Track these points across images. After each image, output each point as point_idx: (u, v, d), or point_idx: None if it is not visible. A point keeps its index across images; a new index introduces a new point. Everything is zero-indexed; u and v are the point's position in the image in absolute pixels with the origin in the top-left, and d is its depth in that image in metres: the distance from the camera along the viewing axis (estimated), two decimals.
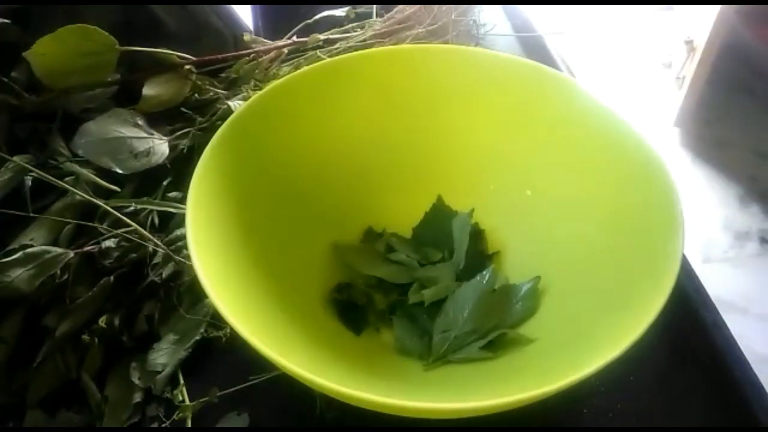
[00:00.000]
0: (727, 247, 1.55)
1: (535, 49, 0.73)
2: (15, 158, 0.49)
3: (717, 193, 1.67)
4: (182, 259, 0.49)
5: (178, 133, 0.57)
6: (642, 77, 2.00)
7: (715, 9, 1.50)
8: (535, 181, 0.50)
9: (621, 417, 0.44)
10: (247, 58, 0.65)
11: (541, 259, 0.47)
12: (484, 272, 0.45)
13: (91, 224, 0.50)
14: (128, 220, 0.49)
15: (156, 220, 0.51)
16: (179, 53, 0.57)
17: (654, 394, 0.45)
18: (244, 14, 0.67)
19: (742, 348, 0.47)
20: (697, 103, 1.75)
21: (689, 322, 0.48)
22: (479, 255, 0.51)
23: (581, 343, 0.37)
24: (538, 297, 0.45)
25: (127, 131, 0.53)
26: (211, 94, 0.61)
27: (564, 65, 0.70)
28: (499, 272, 0.48)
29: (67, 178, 0.51)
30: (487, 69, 0.50)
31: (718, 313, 0.48)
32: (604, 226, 0.44)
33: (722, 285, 1.44)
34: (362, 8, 0.72)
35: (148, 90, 0.56)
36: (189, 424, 0.43)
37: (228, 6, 0.69)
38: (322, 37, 0.67)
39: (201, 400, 0.44)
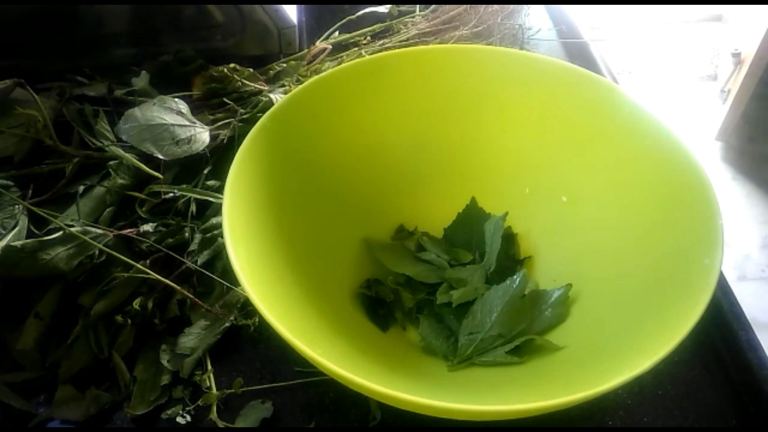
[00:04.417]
0: (765, 266, 1.52)
1: (579, 55, 0.73)
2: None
3: (757, 210, 1.63)
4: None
5: (220, 123, 0.58)
6: (685, 88, 1.96)
7: (766, 21, 1.46)
8: (571, 188, 0.50)
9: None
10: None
11: (573, 267, 0.47)
12: (515, 276, 0.45)
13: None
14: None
15: (193, 208, 0.52)
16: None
17: (682, 411, 0.45)
18: (289, 7, 0.67)
19: None
20: (742, 117, 1.71)
21: (722, 339, 0.47)
22: (510, 259, 0.50)
23: (610, 354, 0.37)
24: (569, 305, 0.44)
25: (171, 118, 0.54)
26: (254, 86, 0.62)
27: (608, 72, 0.69)
28: (530, 277, 0.47)
29: (111, 162, 0.52)
30: (530, 72, 0.50)
31: (752, 331, 0.47)
32: (640, 236, 0.43)
33: (756, 303, 1.41)
34: (406, 6, 0.72)
35: None
36: (214, 411, 0.44)
37: None
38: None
39: (225, 390, 0.45)
